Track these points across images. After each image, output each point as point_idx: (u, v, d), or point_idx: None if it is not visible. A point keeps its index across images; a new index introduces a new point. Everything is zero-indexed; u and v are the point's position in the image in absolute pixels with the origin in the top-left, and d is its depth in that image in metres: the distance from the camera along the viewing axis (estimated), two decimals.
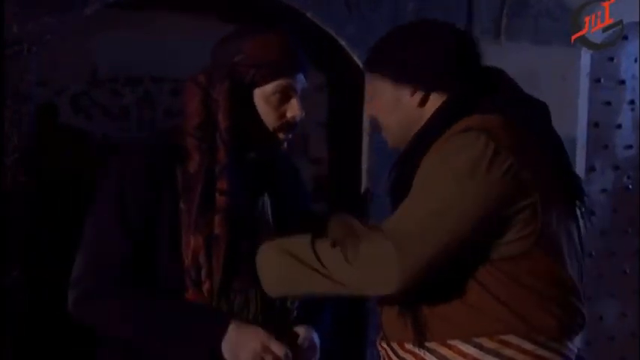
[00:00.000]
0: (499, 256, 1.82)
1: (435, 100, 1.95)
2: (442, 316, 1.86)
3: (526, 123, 1.91)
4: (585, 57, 3.79)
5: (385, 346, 1.99)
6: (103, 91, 3.01)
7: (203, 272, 2.01)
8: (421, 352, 1.88)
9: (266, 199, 2.15)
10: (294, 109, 2.07)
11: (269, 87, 2.04)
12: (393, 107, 1.99)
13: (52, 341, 2.92)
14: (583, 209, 1.98)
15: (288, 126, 2.09)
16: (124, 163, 2.06)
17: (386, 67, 1.98)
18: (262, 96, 2.05)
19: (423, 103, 1.95)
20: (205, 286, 2.01)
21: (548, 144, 1.93)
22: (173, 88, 3.12)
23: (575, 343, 1.91)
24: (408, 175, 1.89)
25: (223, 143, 2.02)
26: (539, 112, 1.98)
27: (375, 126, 2.06)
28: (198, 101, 2.03)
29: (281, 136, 2.09)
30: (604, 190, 4.01)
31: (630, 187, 4.12)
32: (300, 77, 2.08)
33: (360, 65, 3.09)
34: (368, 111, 2.04)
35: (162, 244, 2.03)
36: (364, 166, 3.28)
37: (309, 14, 3.02)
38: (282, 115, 2.07)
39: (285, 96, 2.06)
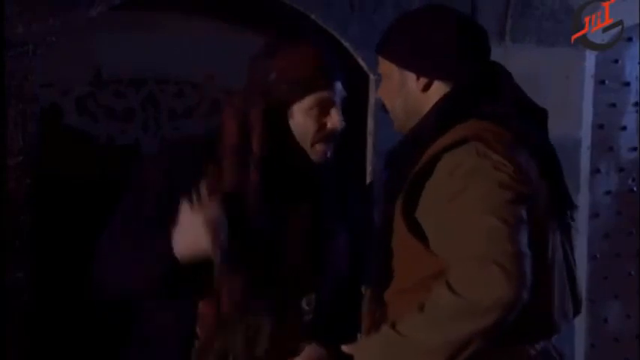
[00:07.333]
0: None
1: (439, 88, 1.96)
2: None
3: (523, 138, 1.92)
4: (590, 59, 3.78)
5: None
6: (107, 92, 3.01)
7: (224, 291, 2.01)
8: None
9: (307, 208, 2.15)
10: (333, 121, 2.08)
11: (306, 101, 2.05)
12: (398, 90, 2.00)
13: (56, 342, 2.92)
14: (572, 221, 2.02)
15: (327, 137, 2.09)
16: (149, 164, 2.12)
17: (391, 50, 2.00)
18: (301, 110, 2.06)
19: (426, 88, 1.97)
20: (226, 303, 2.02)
21: (542, 156, 1.94)
22: (177, 90, 3.13)
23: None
24: (403, 170, 1.91)
25: (256, 167, 2.02)
26: (538, 122, 1.99)
27: (384, 108, 2.08)
28: (234, 124, 2.04)
29: (319, 147, 2.09)
30: (608, 192, 4.00)
31: (635, 189, 4.10)
32: (338, 87, 2.09)
33: (364, 66, 3.10)
34: (377, 92, 2.09)
35: None
36: (368, 167, 3.28)
37: (313, 16, 3.02)
38: (323, 127, 2.08)
39: (324, 108, 2.07)
